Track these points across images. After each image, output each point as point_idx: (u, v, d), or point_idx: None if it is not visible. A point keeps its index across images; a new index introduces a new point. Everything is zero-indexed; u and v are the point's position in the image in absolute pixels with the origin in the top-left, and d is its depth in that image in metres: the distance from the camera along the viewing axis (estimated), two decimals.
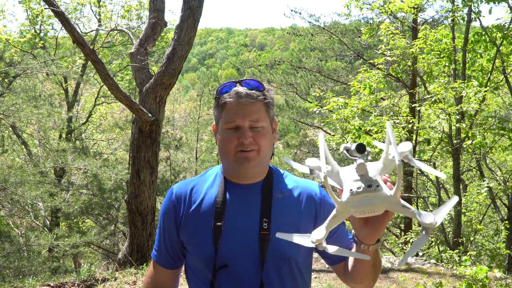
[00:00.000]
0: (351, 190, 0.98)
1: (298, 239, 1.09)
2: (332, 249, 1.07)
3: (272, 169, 1.44)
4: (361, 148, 1.03)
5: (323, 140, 1.05)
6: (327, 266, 4.51)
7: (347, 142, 8.03)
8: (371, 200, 0.98)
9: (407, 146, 1.08)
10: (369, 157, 1.05)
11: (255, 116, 1.32)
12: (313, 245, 1.05)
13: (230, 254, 1.31)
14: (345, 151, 1.06)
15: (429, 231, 1.01)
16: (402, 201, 1.01)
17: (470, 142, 7.40)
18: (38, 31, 15.76)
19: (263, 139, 1.33)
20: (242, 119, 1.31)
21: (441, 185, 10.17)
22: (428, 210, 11.47)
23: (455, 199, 1.06)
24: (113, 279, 5.33)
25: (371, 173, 1.01)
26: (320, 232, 1.04)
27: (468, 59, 8.58)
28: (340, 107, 8.02)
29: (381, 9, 10.24)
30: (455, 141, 7.83)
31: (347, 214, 1.03)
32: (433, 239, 9.87)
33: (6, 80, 11.66)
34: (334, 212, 1.04)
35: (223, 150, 1.35)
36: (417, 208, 10.40)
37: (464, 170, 10.81)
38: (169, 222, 1.42)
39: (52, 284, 5.12)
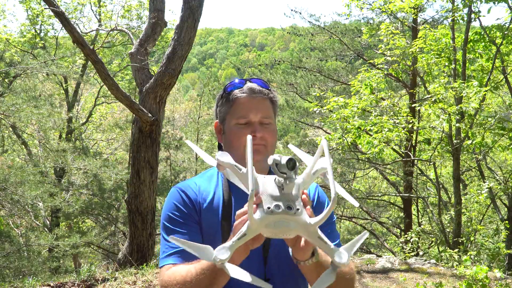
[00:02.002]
0: (268, 208, 0.89)
1: (198, 250, 0.95)
2: (232, 272, 0.95)
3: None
4: (291, 164, 0.92)
5: (250, 143, 0.97)
6: None
7: (345, 141, 8.04)
8: (287, 224, 0.89)
9: (326, 161, 1.01)
10: (297, 175, 0.95)
11: (266, 113, 1.37)
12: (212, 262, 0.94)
13: None
14: (273, 165, 0.94)
15: (339, 268, 0.94)
16: (320, 233, 0.92)
17: (470, 142, 7.40)
18: (38, 31, 15.75)
19: (271, 136, 1.37)
20: (254, 114, 1.35)
21: (441, 185, 10.17)
22: (428, 210, 11.50)
23: (366, 234, 1.02)
24: (113, 279, 5.33)
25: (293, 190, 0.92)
26: (224, 252, 0.91)
27: (468, 58, 8.58)
28: (340, 107, 8.02)
29: (381, 9, 10.23)
30: (455, 141, 7.82)
31: (258, 232, 0.93)
32: (433, 239, 9.86)
33: (6, 80, 11.66)
34: (244, 229, 0.93)
35: (232, 144, 1.36)
36: (417, 209, 10.27)
37: (464, 170, 10.81)
38: (188, 212, 1.34)
39: (52, 284, 5.13)
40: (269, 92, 1.39)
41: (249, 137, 1.01)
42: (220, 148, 1.48)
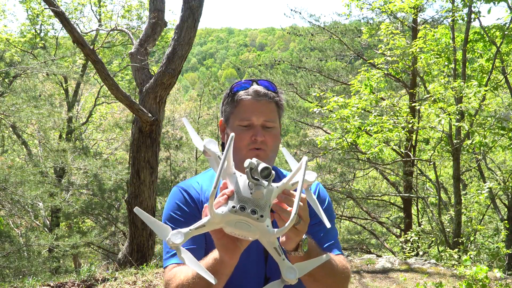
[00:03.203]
0: (233, 206, 0.91)
1: (158, 228, 0.97)
2: (186, 259, 0.95)
3: (274, 169, 1.45)
4: (265, 173, 0.93)
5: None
6: None
7: (345, 141, 8.04)
8: (247, 226, 0.91)
9: (312, 176, 1.04)
10: (271, 184, 0.96)
11: (269, 116, 1.35)
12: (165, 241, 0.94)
13: None
14: (248, 169, 0.94)
15: (286, 283, 0.95)
16: (277, 244, 0.94)
17: (470, 142, 7.40)
18: (38, 31, 15.75)
19: (273, 140, 1.35)
20: (257, 118, 1.33)
21: (441, 185, 10.17)
22: (428, 210, 11.50)
23: (327, 257, 1.05)
24: (113, 279, 5.33)
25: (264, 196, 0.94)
26: (179, 237, 0.93)
27: (467, 58, 8.58)
28: (340, 107, 8.02)
29: (381, 9, 10.23)
30: (455, 141, 7.82)
31: (217, 227, 0.94)
32: (433, 239, 9.86)
33: (6, 80, 11.66)
34: (204, 220, 0.94)
35: (233, 146, 1.36)
36: (417, 209, 10.27)
37: (464, 170, 10.81)
38: (191, 211, 1.34)
39: (52, 284, 5.13)
40: (275, 96, 1.38)
41: (231, 135, 1.02)
42: (223, 147, 1.48)
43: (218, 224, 0.93)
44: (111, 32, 11.95)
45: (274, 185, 0.97)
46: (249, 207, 0.91)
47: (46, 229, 11.75)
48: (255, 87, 1.37)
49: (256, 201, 0.92)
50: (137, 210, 1.00)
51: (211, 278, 0.96)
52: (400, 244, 9.67)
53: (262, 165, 0.94)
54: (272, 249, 0.94)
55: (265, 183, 0.94)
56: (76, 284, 5.13)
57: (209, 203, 0.91)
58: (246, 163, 0.95)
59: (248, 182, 0.94)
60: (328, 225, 1.09)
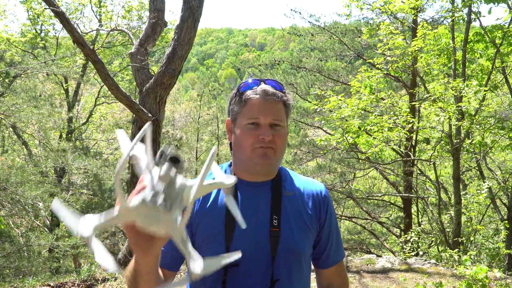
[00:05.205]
0: (144, 198, 0.85)
1: (66, 218, 0.86)
2: (97, 255, 0.87)
3: (280, 169, 1.46)
4: (175, 160, 0.86)
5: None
6: None
7: (345, 141, 8.04)
8: (157, 218, 0.85)
9: (231, 179, 0.95)
10: (183, 173, 0.89)
11: (277, 116, 1.35)
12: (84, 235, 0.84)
13: (242, 251, 1.30)
14: (160, 153, 0.88)
15: (192, 278, 0.89)
16: (185, 236, 0.89)
17: (470, 141, 7.40)
18: (39, 31, 15.76)
19: (281, 139, 1.35)
20: (265, 117, 1.33)
21: (441, 185, 10.17)
22: (428, 210, 11.50)
23: (236, 256, 0.95)
24: (113, 279, 5.34)
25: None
26: (88, 229, 0.84)
27: (467, 59, 8.58)
28: (341, 106, 8.02)
29: (381, 9, 10.23)
30: (455, 141, 7.83)
31: (129, 220, 0.88)
32: (433, 239, 9.86)
33: (6, 80, 11.67)
34: (115, 212, 0.87)
35: (240, 145, 1.35)
36: (417, 209, 10.24)
37: (464, 170, 10.81)
38: None
39: (52, 284, 5.13)
40: (283, 95, 1.38)
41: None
42: (231, 146, 1.47)
43: (129, 217, 0.87)
44: (111, 32, 11.94)
45: (191, 182, 0.90)
46: (159, 198, 0.86)
47: (46, 229, 11.75)
48: (263, 86, 1.37)
49: (167, 192, 0.86)
50: (55, 201, 0.90)
51: (115, 270, 0.88)
52: (400, 244, 9.66)
53: (176, 153, 0.87)
54: (180, 241, 0.89)
55: (174, 172, 0.87)
56: (76, 284, 5.14)
57: (119, 196, 0.84)
58: (161, 149, 0.89)
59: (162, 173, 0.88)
60: (243, 226, 1.00)
